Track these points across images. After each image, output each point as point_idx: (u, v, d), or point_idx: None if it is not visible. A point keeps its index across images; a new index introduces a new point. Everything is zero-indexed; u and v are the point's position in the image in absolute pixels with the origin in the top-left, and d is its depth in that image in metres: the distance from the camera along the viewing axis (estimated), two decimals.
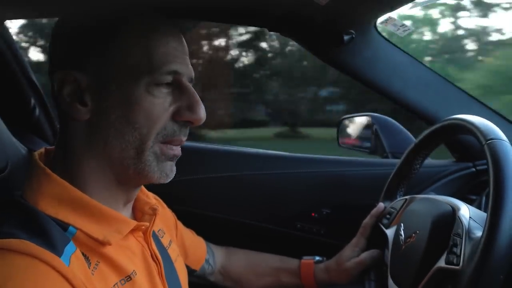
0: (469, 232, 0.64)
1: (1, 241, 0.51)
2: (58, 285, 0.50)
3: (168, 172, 0.64)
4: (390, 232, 0.87)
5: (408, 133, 1.33)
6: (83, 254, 0.57)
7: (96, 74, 0.60)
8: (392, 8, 0.92)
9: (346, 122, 1.48)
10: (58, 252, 0.52)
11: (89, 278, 0.55)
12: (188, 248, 0.92)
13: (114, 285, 0.58)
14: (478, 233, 0.63)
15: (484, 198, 1.00)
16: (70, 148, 0.62)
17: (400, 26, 0.99)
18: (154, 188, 0.85)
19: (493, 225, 0.57)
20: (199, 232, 0.99)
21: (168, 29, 0.63)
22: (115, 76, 0.60)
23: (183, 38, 0.66)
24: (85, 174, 0.62)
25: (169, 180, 0.65)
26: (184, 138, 0.65)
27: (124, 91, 0.60)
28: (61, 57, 0.62)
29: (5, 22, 1.08)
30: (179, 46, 0.64)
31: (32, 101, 1.21)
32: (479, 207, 0.97)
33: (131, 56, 0.60)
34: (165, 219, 0.85)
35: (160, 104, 0.61)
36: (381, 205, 0.96)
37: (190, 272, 0.91)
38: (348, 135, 1.46)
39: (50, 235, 0.54)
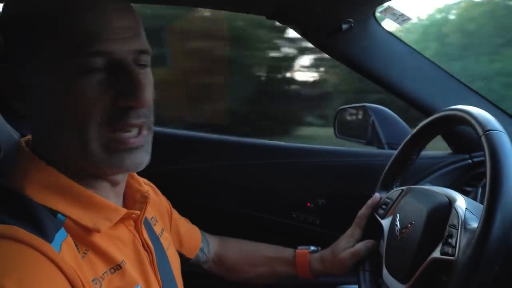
0: (465, 223, 0.64)
1: None
2: (48, 271, 0.50)
3: (124, 164, 0.58)
4: (385, 223, 0.87)
5: (405, 124, 1.33)
6: (73, 241, 0.55)
7: (27, 67, 0.56)
8: None
9: (343, 112, 1.48)
10: (49, 239, 0.51)
11: (79, 265, 0.54)
12: (183, 236, 0.91)
13: (104, 274, 0.57)
14: (474, 224, 0.63)
15: (480, 190, 1.00)
16: (37, 141, 0.61)
17: (399, 16, 0.98)
18: (149, 176, 0.84)
19: (489, 216, 0.57)
20: (194, 221, 0.99)
21: (100, 3, 0.56)
22: (43, 67, 0.56)
23: (127, 9, 0.59)
24: (65, 163, 0.59)
25: (132, 171, 0.60)
26: (137, 121, 0.58)
27: (53, 81, 0.55)
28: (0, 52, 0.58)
29: None
30: (115, 20, 0.56)
31: None
32: (474, 199, 0.97)
33: (53, 42, 0.54)
34: (158, 207, 0.85)
35: (92, 92, 0.55)
36: (377, 195, 0.96)
37: (185, 260, 0.90)
38: (345, 126, 1.46)
39: (40, 221, 0.53)
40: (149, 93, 0.58)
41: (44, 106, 0.57)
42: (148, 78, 0.61)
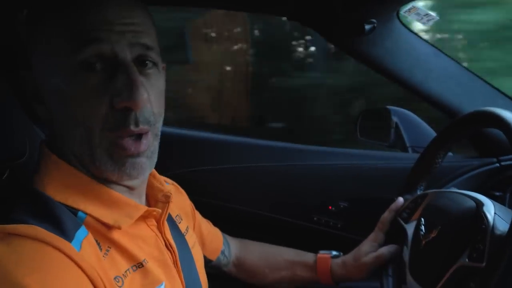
0: (494, 228, 0.62)
1: (10, 226, 0.50)
2: (67, 270, 0.50)
3: (129, 170, 0.57)
4: (409, 228, 0.85)
5: (429, 127, 1.30)
6: (94, 239, 0.56)
7: (38, 69, 0.56)
8: None
9: (366, 115, 1.46)
10: (69, 238, 0.52)
11: (101, 263, 0.54)
12: (205, 238, 0.92)
13: (126, 271, 0.57)
14: (503, 230, 0.61)
15: (508, 195, 0.97)
16: (55, 143, 0.61)
17: (424, 15, 0.96)
18: (171, 178, 0.85)
19: None
20: (214, 223, 0.99)
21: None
22: (48, 68, 0.55)
23: (134, 5, 0.57)
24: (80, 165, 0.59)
25: (135, 179, 0.59)
26: (136, 128, 0.55)
27: (58, 82, 0.54)
28: (15, 57, 0.60)
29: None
30: (116, 13, 0.54)
31: None
32: (503, 204, 0.94)
33: (53, 40, 0.54)
34: (182, 206, 0.85)
35: (91, 91, 0.53)
36: (400, 199, 0.94)
37: (206, 262, 0.90)
38: (368, 128, 1.44)
39: (60, 220, 0.53)
40: (147, 94, 0.56)
41: (56, 109, 0.57)
42: (151, 78, 0.58)
